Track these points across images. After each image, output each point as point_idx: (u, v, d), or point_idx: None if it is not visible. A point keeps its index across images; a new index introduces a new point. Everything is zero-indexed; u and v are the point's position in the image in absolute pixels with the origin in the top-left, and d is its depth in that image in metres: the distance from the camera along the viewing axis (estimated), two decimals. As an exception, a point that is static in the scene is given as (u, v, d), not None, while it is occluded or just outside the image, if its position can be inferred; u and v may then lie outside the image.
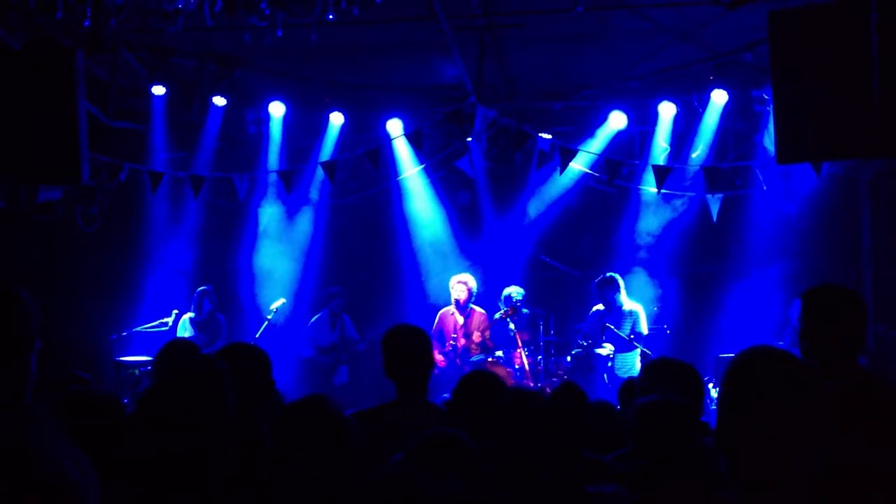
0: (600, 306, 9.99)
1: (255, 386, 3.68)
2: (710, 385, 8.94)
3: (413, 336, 4.35)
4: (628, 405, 4.38)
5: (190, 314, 10.19)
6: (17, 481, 0.98)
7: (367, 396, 10.17)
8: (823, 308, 3.63)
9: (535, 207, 11.40)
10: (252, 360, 3.83)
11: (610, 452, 4.11)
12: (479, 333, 9.99)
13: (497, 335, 10.18)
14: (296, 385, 10.25)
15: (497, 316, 10.00)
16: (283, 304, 10.43)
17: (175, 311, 10.19)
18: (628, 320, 9.75)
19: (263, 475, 2.85)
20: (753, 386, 2.45)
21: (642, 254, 11.10)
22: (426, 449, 2.80)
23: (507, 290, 10.15)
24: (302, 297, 11.31)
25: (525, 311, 10.16)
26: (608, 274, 9.93)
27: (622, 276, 10.31)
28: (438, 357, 9.92)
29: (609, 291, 9.78)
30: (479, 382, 3.99)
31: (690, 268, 11.16)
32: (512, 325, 9.84)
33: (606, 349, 9.72)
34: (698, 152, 10.20)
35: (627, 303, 9.85)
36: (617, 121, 10.29)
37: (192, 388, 2.96)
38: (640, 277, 10.91)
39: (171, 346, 4.71)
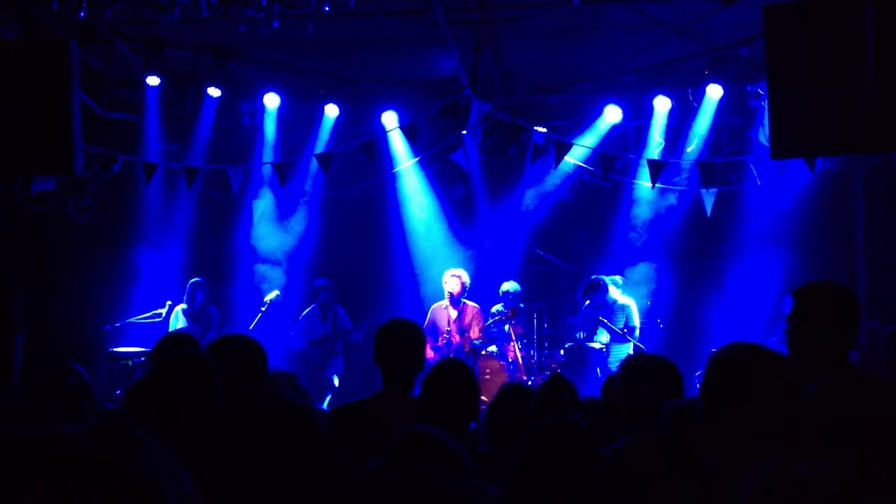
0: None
1: (250, 377, 3.69)
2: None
3: (406, 332, 4.35)
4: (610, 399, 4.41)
5: (183, 305, 10.18)
6: (111, 492, 0.99)
7: (360, 388, 10.18)
8: (814, 305, 3.62)
9: (529, 201, 11.40)
10: (248, 351, 3.83)
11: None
12: (477, 330, 9.98)
13: (489, 328, 10.18)
14: None
15: (495, 314, 10.02)
16: (277, 295, 10.44)
17: (169, 303, 10.19)
18: (621, 314, 9.76)
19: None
20: (734, 384, 2.46)
21: (636, 248, 11.11)
22: (407, 447, 2.79)
23: (504, 287, 10.14)
24: (296, 289, 11.30)
25: (521, 305, 10.16)
26: (593, 277, 9.94)
27: (616, 269, 10.31)
28: (430, 353, 9.92)
29: (597, 295, 9.79)
30: (446, 371, 4.03)
31: (684, 262, 11.17)
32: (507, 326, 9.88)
33: (599, 343, 9.74)
34: (693, 147, 10.21)
35: (620, 297, 9.86)
36: (612, 115, 10.29)
37: (179, 384, 2.96)
38: (634, 271, 10.92)
39: (167, 339, 4.70)
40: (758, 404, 2.42)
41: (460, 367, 4.13)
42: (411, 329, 4.37)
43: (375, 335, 4.36)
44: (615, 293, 9.86)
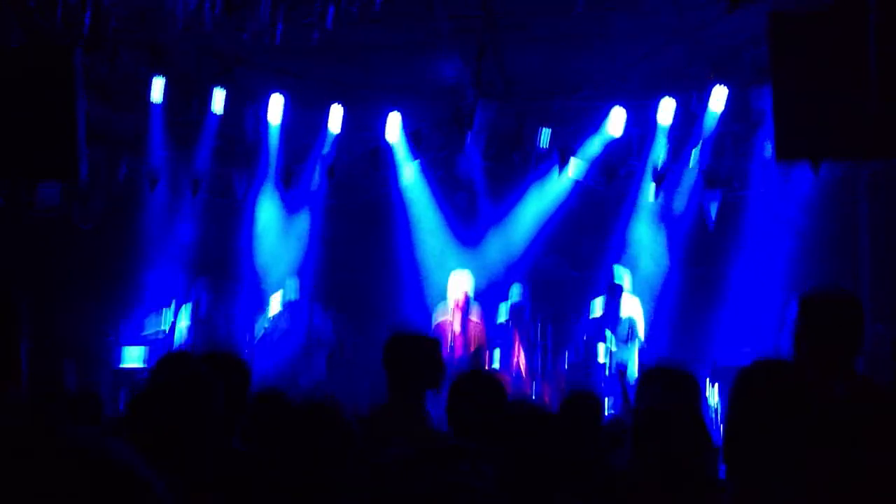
0: (598, 312, 9.97)
1: (230, 397, 3.63)
2: (710, 386, 8.93)
3: (419, 345, 4.26)
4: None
5: (187, 311, 10.18)
6: (96, 477, 1.01)
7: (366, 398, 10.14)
8: (821, 311, 3.60)
9: (533, 208, 11.39)
10: (230, 371, 3.75)
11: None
12: (474, 345, 9.90)
13: (494, 338, 10.12)
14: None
15: (501, 320, 10.00)
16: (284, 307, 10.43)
17: (170, 313, 10.18)
18: (625, 323, 9.73)
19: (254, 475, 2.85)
20: (765, 402, 2.45)
21: (639, 255, 11.09)
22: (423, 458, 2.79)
23: (512, 295, 10.12)
24: (300, 295, 11.28)
25: (526, 312, 10.12)
26: (615, 281, 9.92)
27: (619, 277, 10.30)
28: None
29: (618, 293, 9.79)
30: (476, 385, 3.97)
31: (688, 269, 11.14)
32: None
33: (603, 353, 9.70)
34: (697, 153, 10.20)
35: (625, 307, 9.84)
36: (616, 121, 10.28)
37: (181, 398, 2.97)
38: (637, 279, 10.90)
39: (168, 358, 4.66)
40: (787, 420, 2.41)
41: (490, 380, 4.07)
42: (425, 343, 4.28)
43: (386, 345, 4.23)
44: (624, 303, 9.81)
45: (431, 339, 4.33)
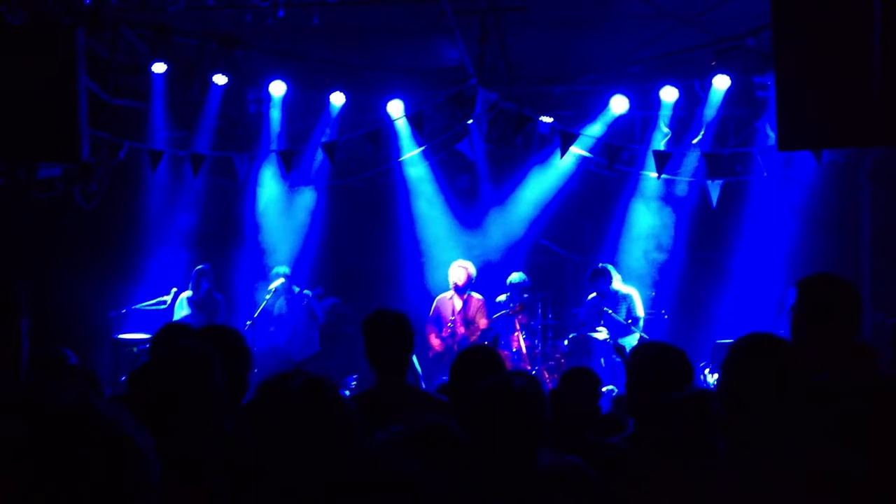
0: (594, 294, 10.01)
1: (229, 371, 3.64)
2: (707, 370, 8.97)
3: (391, 321, 4.31)
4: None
5: (188, 293, 10.20)
6: (85, 438, 1.03)
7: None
8: (818, 298, 3.63)
9: (534, 191, 11.39)
10: (231, 346, 3.76)
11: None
12: (482, 321, 9.94)
13: (494, 319, 10.17)
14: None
15: (500, 303, 10.03)
16: (282, 283, 10.45)
17: (174, 290, 10.20)
18: (623, 304, 9.76)
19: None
20: (755, 375, 2.47)
21: (641, 239, 11.10)
22: (411, 438, 2.81)
23: (511, 278, 10.13)
24: (301, 278, 11.31)
25: (526, 296, 10.15)
26: (599, 265, 9.96)
27: (621, 260, 10.29)
28: (436, 341, 9.93)
29: (601, 282, 9.80)
30: (477, 359, 4.03)
31: (689, 253, 11.16)
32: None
33: (603, 333, 9.74)
34: (699, 138, 10.19)
35: (622, 287, 9.87)
36: (618, 105, 10.26)
37: (180, 371, 2.97)
38: (639, 262, 10.92)
39: (167, 329, 4.68)
40: (777, 395, 2.43)
41: (490, 354, 4.13)
42: (394, 318, 4.32)
43: (362, 328, 4.32)
44: (617, 284, 9.85)
45: (402, 315, 4.36)
